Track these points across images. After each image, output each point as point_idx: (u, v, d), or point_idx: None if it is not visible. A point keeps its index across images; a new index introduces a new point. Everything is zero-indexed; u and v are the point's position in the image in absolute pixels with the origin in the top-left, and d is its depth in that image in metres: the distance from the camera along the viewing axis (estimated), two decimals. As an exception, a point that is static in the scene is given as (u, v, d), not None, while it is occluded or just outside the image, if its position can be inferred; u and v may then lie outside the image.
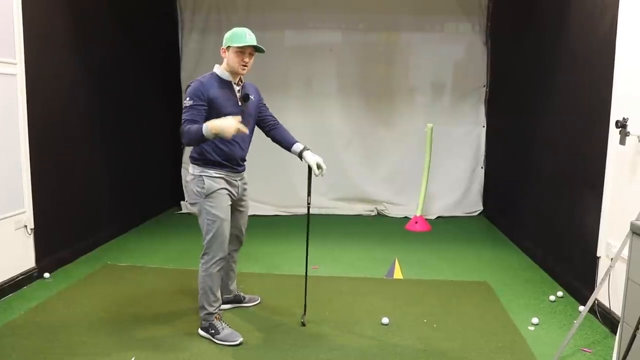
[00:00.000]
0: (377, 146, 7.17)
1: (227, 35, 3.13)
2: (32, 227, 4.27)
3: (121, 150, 5.76)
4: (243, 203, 3.50)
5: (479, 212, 7.18)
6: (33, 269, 4.29)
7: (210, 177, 3.17)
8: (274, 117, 3.51)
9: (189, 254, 5.05)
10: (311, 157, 3.33)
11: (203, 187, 3.16)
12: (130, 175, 6.01)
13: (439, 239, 5.98)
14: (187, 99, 3.05)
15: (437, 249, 5.54)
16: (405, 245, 5.71)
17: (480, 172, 7.18)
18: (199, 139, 2.91)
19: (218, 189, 3.18)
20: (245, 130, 2.77)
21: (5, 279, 3.99)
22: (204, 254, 3.27)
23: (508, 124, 6.26)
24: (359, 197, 7.08)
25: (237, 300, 3.80)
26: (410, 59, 7.07)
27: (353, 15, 6.99)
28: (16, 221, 4.10)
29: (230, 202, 3.28)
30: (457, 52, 7.02)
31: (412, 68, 7.08)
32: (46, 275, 4.38)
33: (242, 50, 3.08)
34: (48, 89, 4.44)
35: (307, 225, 3.61)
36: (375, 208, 7.14)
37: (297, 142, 3.42)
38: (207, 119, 3.00)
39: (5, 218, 3.98)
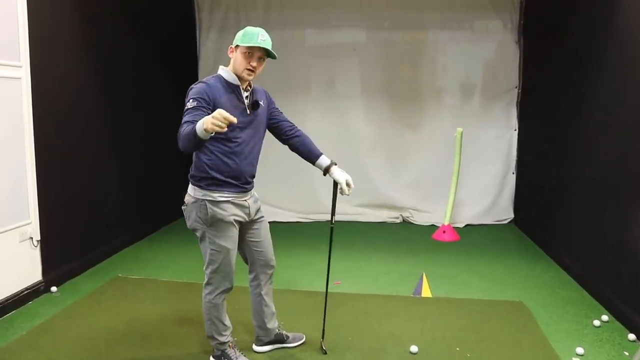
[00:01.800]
0: (402, 150, 6.85)
1: (238, 33, 2.79)
2: (39, 238, 4.04)
3: (133, 156, 5.52)
4: (258, 224, 3.02)
5: (509, 220, 6.82)
6: (39, 282, 4.07)
7: (214, 202, 2.75)
8: (291, 122, 3.10)
9: (201, 267, 4.74)
10: (340, 174, 2.97)
11: (206, 215, 2.75)
12: (142, 182, 5.77)
13: (469, 251, 5.64)
14: (190, 100, 2.62)
15: (467, 262, 5.20)
16: (432, 257, 5.38)
17: (512, 178, 6.82)
18: (193, 140, 2.35)
19: (224, 217, 2.78)
20: (233, 119, 2.24)
21: (10, 294, 3.77)
22: (207, 284, 2.91)
23: (543, 128, 5.89)
24: (384, 204, 6.76)
25: (279, 340, 3.28)
26: (438, 58, 6.74)
27: (378, 13, 6.67)
28: (21, 233, 3.88)
29: (238, 228, 2.88)
30: (488, 51, 6.66)
31: (439, 68, 6.76)
32: (53, 289, 4.16)
33: (250, 52, 2.70)
34: (55, 93, 4.21)
35: (330, 247, 3.26)
36: (400, 215, 6.83)
37: (322, 154, 3.04)
38: None
39: (8, 230, 3.76)
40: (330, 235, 3.23)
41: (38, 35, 3.93)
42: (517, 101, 6.68)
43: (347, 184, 2.98)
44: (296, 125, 3.12)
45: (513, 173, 6.81)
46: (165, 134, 6.19)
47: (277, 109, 3.08)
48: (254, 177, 2.94)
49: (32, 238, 3.99)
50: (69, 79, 4.41)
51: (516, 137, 6.74)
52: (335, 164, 3.02)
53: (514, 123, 6.72)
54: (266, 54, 2.77)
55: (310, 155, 3.04)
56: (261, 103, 2.90)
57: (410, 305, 4.06)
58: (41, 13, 3.98)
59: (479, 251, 5.62)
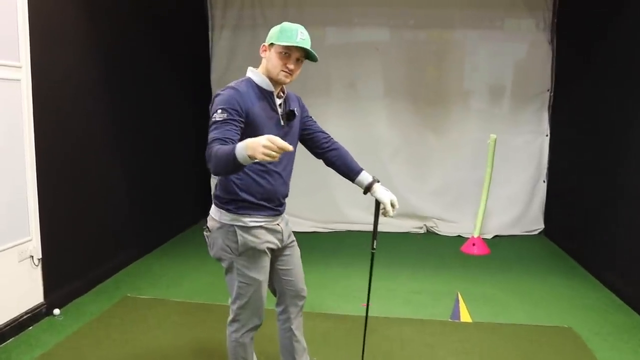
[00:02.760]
0: (426, 156, 6.46)
1: (274, 30, 2.40)
2: (40, 257, 3.67)
3: (141, 162, 5.11)
4: (290, 250, 2.65)
5: (539, 230, 6.43)
6: (41, 304, 3.70)
7: (246, 228, 2.38)
8: (326, 133, 2.71)
9: (218, 285, 4.37)
10: (384, 194, 2.57)
11: (236, 242, 2.39)
12: (152, 190, 5.38)
13: (502, 266, 5.23)
14: (219, 110, 2.22)
15: (502, 280, 4.80)
16: (464, 273, 4.98)
17: (542, 187, 6.42)
18: (231, 165, 1.99)
19: (256, 245, 2.41)
20: (290, 147, 1.96)
21: (8, 319, 3.40)
22: (233, 321, 2.53)
23: (579, 133, 5.51)
24: (407, 213, 6.33)
25: None
26: (466, 59, 6.35)
27: (402, 10, 6.27)
28: (20, 251, 3.50)
29: (270, 257, 2.52)
30: (519, 52, 6.28)
31: (467, 70, 6.37)
32: (56, 311, 3.78)
33: (287, 52, 2.33)
34: (58, 96, 3.83)
35: (370, 275, 2.86)
36: (425, 225, 6.43)
37: (362, 170, 2.65)
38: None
39: (6, 249, 3.38)
40: (371, 262, 2.83)
41: (40, 32, 3.56)
42: (549, 105, 6.28)
43: (392, 204, 2.59)
44: (331, 136, 2.72)
45: (544, 181, 6.41)
46: (175, 137, 5.86)
47: (311, 117, 2.69)
48: (287, 197, 2.56)
49: (32, 257, 3.61)
50: (73, 80, 4.03)
51: (548, 143, 6.34)
52: (378, 182, 2.63)
53: (546, 128, 6.32)
54: (305, 55, 2.38)
55: (348, 171, 2.65)
56: (296, 112, 2.52)
57: (451, 332, 3.67)
58: (43, 7, 3.60)
59: (512, 266, 5.22)
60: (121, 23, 4.70)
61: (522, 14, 6.17)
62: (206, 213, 2.59)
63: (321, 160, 2.73)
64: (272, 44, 2.37)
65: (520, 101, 6.31)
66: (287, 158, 2.47)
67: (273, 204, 2.44)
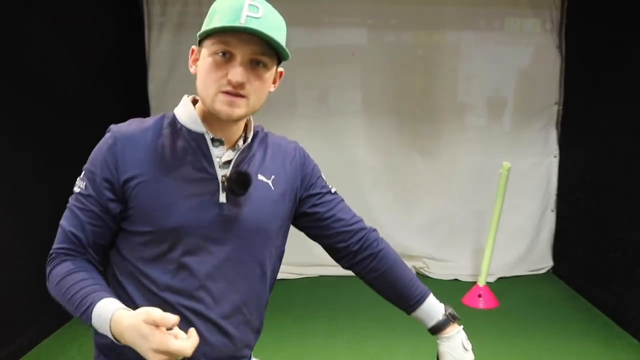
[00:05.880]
0: (414, 183, 5.42)
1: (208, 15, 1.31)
2: None
3: (44, 215, 3.80)
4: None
5: (547, 269, 5.46)
6: None
7: None
8: (359, 218, 1.60)
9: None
10: (460, 351, 1.55)
11: None
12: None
13: (517, 324, 4.18)
14: (81, 175, 1.35)
15: (526, 349, 3.75)
16: (472, 339, 3.85)
17: (551, 217, 5.45)
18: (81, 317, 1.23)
19: None
20: (188, 352, 1.12)
21: None
22: None
23: (593, 154, 4.68)
24: (391, 253, 5.28)
25: None
26: (459, 66, 5.35)
27: (383, 7, 5.22)
28: None
29: None
30: (522, 58, 5.33)
31: (461, 79, 5.37)
32: None
33: (226, 48, 1.25)
34: None
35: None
36: (413, 266, 5.36)
37: (429, 292, 1.60)
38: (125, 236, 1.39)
39: None
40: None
41: None
42: (558, 121, 5.35)
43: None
44: (368, 227, 1.63)
45: (552, 210, 5.45)
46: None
47: (330, 190, 1.58)
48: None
49: None
50: None
51: (557, 165, 5.39)
52: (454, 320, 1.57)
53: (554, 148, 5.37)
54: (267, 49, 1.28)
55: (405, 292, 1.58)
56: (263, 179, 1.43)
57: None
58: None
59: (530, 325, 4.17)
60: (28, 24, 3.42)
61: (526, 12, 5.22)
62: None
63: None
64: (201, 42, 1.29)
65: (524, 117, 5.36)
66: (239, 275, 1.44)
67: None
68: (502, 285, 5.08)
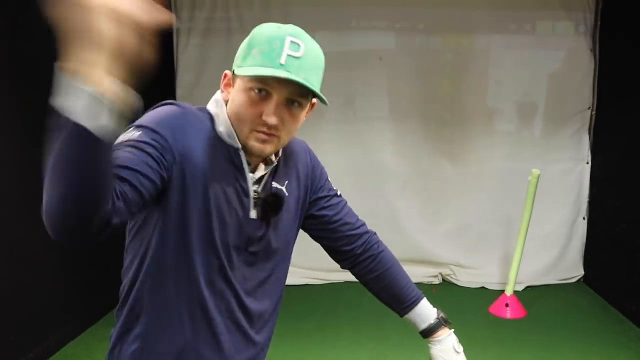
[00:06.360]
0: (441, 189, 5.34)
1: (243, 43, 1.28)
2: None
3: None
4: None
5: (577, 278, 5.33)
6: None
7: None
8: (361, 222, 1.61)
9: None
10: (452, 354, 1.54)
11: None
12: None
13: (545, 335, 4.10)
14: (131, 128, 1.17)
15: (549, 358, 3.72)
16: (499, 349, 3.85)
17: (582, 225, 5.33)
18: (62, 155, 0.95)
19: None
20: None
21: None
22: None
23: (627, 159, 4.57)
24: (418, 259, 5.17)
25: None
26: (488, 70, 5.26)
27: (411, 11, 5.16)
28: None
29: None
30: (554, 61, 5.21)
31: (490, 83, 5.29)
32: None
33: (263, 88, 1.21)
34: None
35: None
36: (440, 273, 5.28)
37: (422, 296, 1.63)
38: (159, 220, 1.24)
39: None
40: None
41: None
42: (590, 126, 5.22)
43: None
44: (369, 230, 1.64)
45: (584, 218, 5.32)
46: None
47: (335, 193, 1.57)
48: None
49: None
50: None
51: (589, 171, 5.27)
52: (445, 324, 1.58)
53: (586, 154, 5.25)
54: (304, 92, 1.24)
55: (400, 294, 1.61)
56: (277, 185, 1.39)
57: None
58: None
59: (561, 338, 4.07)
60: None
61: (558, 15, 5.10)
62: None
63: None
64: (235, 73, 1.26)
65: (556, 122, 5.25)
66: (267, 284, 1.43)
67: None
68: (531, 294, 4.98)
